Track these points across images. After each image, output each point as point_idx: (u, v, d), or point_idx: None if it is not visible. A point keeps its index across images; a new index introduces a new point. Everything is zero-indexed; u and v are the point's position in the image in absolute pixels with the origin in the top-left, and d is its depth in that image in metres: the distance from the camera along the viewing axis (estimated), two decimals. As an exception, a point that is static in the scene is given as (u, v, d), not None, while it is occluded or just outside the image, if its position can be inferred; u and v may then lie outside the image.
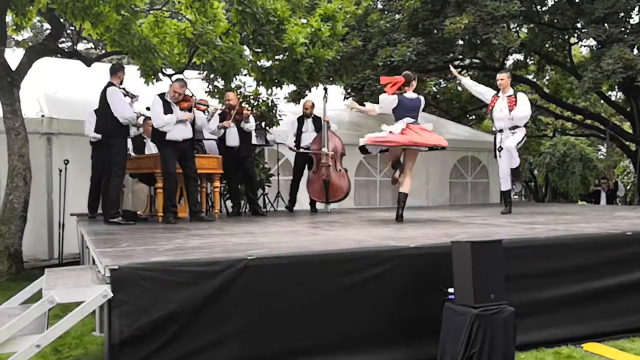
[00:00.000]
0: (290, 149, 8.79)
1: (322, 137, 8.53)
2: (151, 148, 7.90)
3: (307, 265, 3.65)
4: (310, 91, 11.20)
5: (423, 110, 6.66)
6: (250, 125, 8.13)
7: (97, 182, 7.32)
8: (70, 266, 5.57)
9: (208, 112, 7.74)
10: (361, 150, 6.49)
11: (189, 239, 4.71)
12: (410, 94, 6.38)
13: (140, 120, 7.40)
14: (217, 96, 9.13)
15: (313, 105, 8.99)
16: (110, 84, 6.67)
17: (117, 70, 6.82)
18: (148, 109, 7.91)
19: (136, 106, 7.20)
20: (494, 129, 7.82)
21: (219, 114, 7.87)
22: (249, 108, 8.52)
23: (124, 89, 6.91)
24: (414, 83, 6.46)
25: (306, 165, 8.87)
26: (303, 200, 9.18)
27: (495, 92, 7.61)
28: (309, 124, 8.81)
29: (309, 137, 8.73)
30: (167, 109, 6.72)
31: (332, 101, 12.19)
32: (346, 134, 11.39)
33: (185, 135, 6.84)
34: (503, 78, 7.50)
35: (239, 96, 8.53)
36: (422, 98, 6.52)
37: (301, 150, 8.66)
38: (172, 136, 6.72)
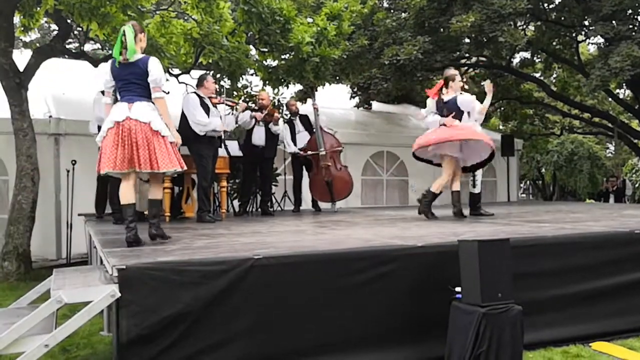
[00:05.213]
0: (298, 154, 8.58)
1: (317, 137, 8.46)
2: None
3: (313, 264, 3.65)
4: (317, 90, 11.21)
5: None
6: (278, 128, 8.18)
7: (104, 182, 7.34)
8: (78, 266, 5.60)
9: (236, 109, 7.77)
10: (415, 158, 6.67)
11: (196, 239, 4.72)
12: (448, 95, 6.43)
13: None
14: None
15: (296, 102, 9.04)
16: None
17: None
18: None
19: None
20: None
21: (250, 113, 7.89)
22: (279, 111, 8.54)
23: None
24: (452, 84, 6.42)
25: (303, 166, 8.77)
26: (309, 199, 9.18)
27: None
28: (298, 124, 8.69)
29: (302, 138, 8.61)
30: (204, 107, 6.74)
31: (338, 100, 12.21)
32: (352, 133, 11.39)
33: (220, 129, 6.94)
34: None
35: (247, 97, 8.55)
36: (458, 96, 6.39)
37: (305, 153, 8.53)
38: (213, 131, 6.72)
